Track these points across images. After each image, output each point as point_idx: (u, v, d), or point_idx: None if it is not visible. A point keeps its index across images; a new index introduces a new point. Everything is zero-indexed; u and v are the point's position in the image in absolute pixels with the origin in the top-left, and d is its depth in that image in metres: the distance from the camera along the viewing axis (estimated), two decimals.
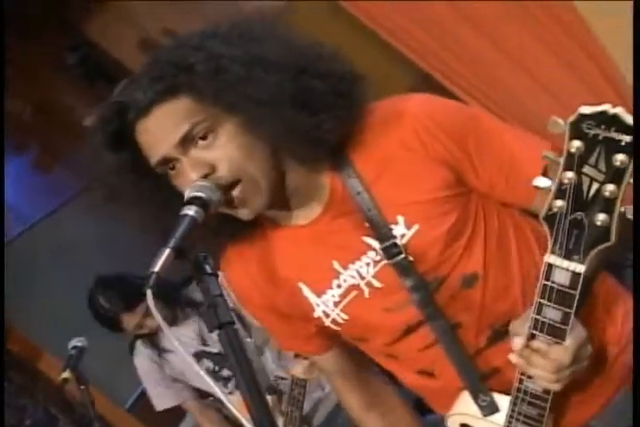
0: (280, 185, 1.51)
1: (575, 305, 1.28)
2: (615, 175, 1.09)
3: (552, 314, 1.31)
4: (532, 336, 1.37)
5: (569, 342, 1.36)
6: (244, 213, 1.48)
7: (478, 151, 1.49)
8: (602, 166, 1.10)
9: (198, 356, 3.37)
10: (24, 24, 3.75)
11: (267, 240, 1.65)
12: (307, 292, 1.63)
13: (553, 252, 1.23)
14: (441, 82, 3.05)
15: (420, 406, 1.95)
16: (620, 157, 1.07)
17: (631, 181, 1.10)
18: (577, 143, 1.09)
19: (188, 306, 3.26)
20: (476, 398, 1.61)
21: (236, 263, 1.69)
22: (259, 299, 1.70)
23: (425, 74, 3.15)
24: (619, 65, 2.78)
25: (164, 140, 1.43)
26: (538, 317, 1.33)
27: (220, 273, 1.40)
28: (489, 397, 1.60)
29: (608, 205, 1.13)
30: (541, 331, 1.35)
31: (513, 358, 1.42)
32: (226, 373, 3.34)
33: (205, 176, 1.41)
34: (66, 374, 2.72)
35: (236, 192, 1.44)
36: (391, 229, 1.51)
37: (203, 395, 3.47)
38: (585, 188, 1.13)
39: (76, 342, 2.85)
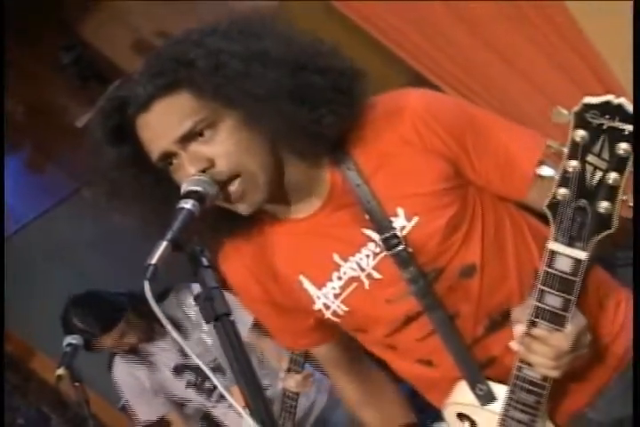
0: (279, 180, 1.53)
1: (577, 290, 1.31)
2: (619, 163, 1.13)
3: (553, 301, 1.34)
4: (533, 324, 1.40)
5: (569, 329, 1.39)
6: (242, 208, 1.50)
7: (476, 146, 1.53)
8: (605, 155, 1.13)
9: (178, 369, 3.36)
10: (18, 23, 3.75)
11: (265, 234, 1.66)
12: (307, 284, 1.65)
13: (556, 239, 1.26)
14: (434, 82, 3.07)
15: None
16: (623, 146, 1.11)
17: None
18: (581, 132, 1.12)
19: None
20: (473, 387, 1.63)
21: (234, 257, 1.71)
22: (256, 292, 1.72)
23: (418, 74, 3.17)
24: (610, 64, 2.81)
25: (164, 135, 1.45)
26: (539, 304, 1.36)
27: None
28: (486, 386, 1.62)
29: (611, 192, 1.16)
30: (542, 318, 1.38)
31: (514, 345, 1.45)
32: (208, 385, 3.33)
33: (204, 171, 1.44)
34: (60, 371, 2.72)
35: (233, 187, 1.46)
36: (391, 222, 1.53)
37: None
38: (588, 176, 1.16)
39: (71, 339, 2.84)
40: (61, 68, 4.04)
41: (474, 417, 1.66)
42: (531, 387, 1.50)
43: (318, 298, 1.65)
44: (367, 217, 1.55)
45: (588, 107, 1.11)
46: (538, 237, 1.61)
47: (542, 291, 1.34)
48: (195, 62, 1.42)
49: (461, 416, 1.68)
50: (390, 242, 1.54)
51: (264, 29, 1.50)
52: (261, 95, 1.41)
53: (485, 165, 1.54)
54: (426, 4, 3.00)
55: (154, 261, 1.26)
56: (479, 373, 1.62)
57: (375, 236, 1.56)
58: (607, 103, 1.10)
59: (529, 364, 1.46)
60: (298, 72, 1.44)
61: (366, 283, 1.60)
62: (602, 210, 1.18)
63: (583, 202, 1.19)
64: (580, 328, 1.42)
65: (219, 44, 1.44)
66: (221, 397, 3.34)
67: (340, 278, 1.61)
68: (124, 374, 3.37)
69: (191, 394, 3.39)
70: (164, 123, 1.45)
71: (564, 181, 1.18)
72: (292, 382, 2.86)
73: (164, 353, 3.31)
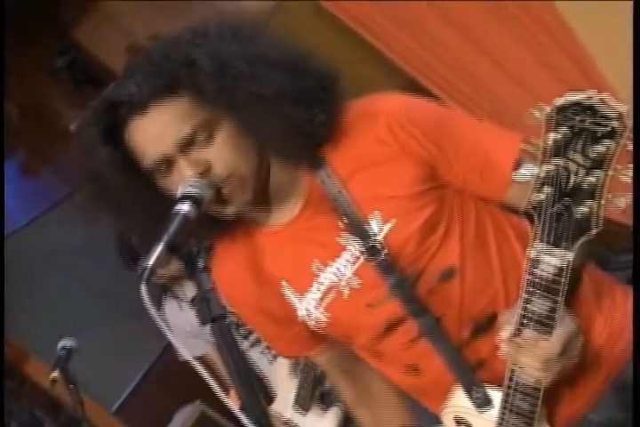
0: (265, 183, 1.54)
1: (563, 294, 1.28)
2: (601, 161, 1.10)
3: (540, 304, 1.32)
4: (521, 328, 1.37)
5: (558, 332, 1.36)
6: (229, 210, 1.50)
7: (453, 148, 1.52)
8: (588, 153, 1.11)
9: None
10: (13, 26, 3.76)
11: (253, 240, 1.65)
12: (289, 292, 1.64)
13: (540, 240, 1.23)
14: (422, 83, 3.07)
15: None
16: (606, 142, 1.08)
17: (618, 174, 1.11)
18: (561, 131, 1.10)
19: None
20: (469, 390, 1.61)
21: (225, 262, 1.71)
22: (246, 298, 1.71)
23: (407, 76, 3.16)
24: (599, 64, 2.80)
25: (162, 139, 1.43)
26: (526, 307, 1.33)
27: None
28: (482, 389, 1.60)
29: (595, 190, 1.13)
30: (530, 321, 1.35)
31: (502, 348, 1.43)
32: (242, 331, 3.30)
33: (201, 174, 1.43)
34: (55, 375, 2.71)
35: (226, 190, 1.46)
36: (369, 227, 1.52)
37: None
38: (568, 177, 1.14)
39: (65, 342, 2.83)
40: (55, 72, 4.04)
41: (471, 421, 1.64)
42: (524, 392, 1.47)
43: (301, 305, 1.64)
44: (345, 222, 1.54)
45: (568, 104, 1.09)
46: (522, 237, 1.57)
47: (529, 293, 1.31)
48: (197, 62, 1.41)
49: (458, 420, 1.66)
50: (371, 249, 1.52)
51: (255, 33, 1.51)
52: (266, 96, 1.41)
53: (463, 166, 1.53)
54: (414, 4, 3.00)
55: (151, 263, 1.27)
56: (472, 375, 1.60)
57: (354, 241, 1.54)
58: (584, 102, 1.07)
59: (520, 368, 1.44)
60: (294, 73, 1.45)
61: (346, 289, 1.58)
62: (586, 208, 1.15)
63: (567, 201, 1.16)
64: (569, 332, 1.40)
65: (218, 46, 1.43)
66: (257, 341, 3.33)
67: (321, 285, 1.60)
68: (173, 311, 3.35)
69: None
70: (161, 127, 1.43)
71: (545, 181, 1.16)
72: None
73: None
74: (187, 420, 4.12)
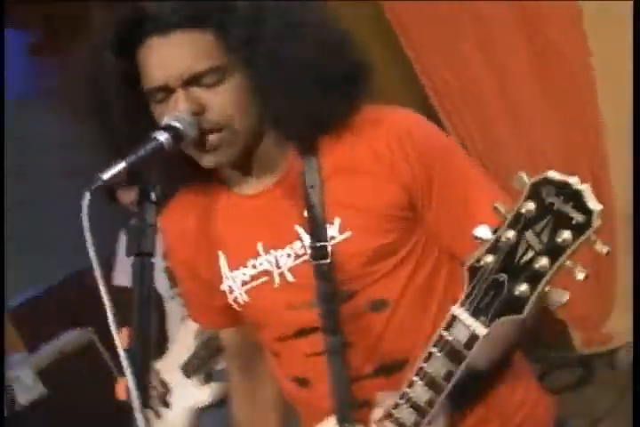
0: (252, 149, 1.51)
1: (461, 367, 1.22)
2: (554, 250, 1.04)
3: (436, 368, 1.25)
4: (396, 407, 1.33)
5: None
6: (208, 159, 1.47)
7: (440, 181, 1.48)
8: (544, 237, 1.04)
9: None
10: None
11: (213, 200, 1.63)
12: (222, 263, 1.62)
13: (462, 305, 1.17)
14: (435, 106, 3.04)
15: None
16: (565, 234, 1.02)
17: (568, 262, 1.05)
18: (530, 205, 1.04)
19: None
20: (340, 425, 1.55)
21: (178, 213, 1.68)
22: (183, 255, 1.71)
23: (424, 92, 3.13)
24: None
25: (174, 67, 1.41)
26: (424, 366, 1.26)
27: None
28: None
29: (535, 277, 1.07)
30: (407, 402, 1.31)
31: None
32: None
33: (194, 113, 1.41)
34: None
35: (213, 137, 1.44)
36: (326, 229, 1.49)
37: None
38: (520, 252, 1.07)
39: None
40: None
41: None
42: None
43: (227, 279, 1.61)
44: (306, 215, 1.50)
45: (547, 182, 1.03)
46: None
47: (430, 354, 1.24)
48: (237, 9, 1.41)
49: None
50: (318, 251, 1.49)
51: (306, 6, 1.50)
52: (291, 64, 1.40)
53: (443, 201, 1.49)
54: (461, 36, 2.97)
55: (105, 177, 1.24)
56: (351, 412, 1.55)
57: (306, 238, 1.51)
58: (568, 185, 1.01)
59: None
60: (329, 54, 1.43)
61: (276, 281, 1.56)
62: (518, 292, 1.09)
63: (503, 276, 1.10)
64: None
65: (263, 4, 1.43)
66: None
67: (254, 267, 1.57)
68: (123, 244, 3.28)
69: None
70: (176, 54, 1.41)
71: (495, 248, 1.10)
72: None
73: None
74: (71, 342, 4.09)
